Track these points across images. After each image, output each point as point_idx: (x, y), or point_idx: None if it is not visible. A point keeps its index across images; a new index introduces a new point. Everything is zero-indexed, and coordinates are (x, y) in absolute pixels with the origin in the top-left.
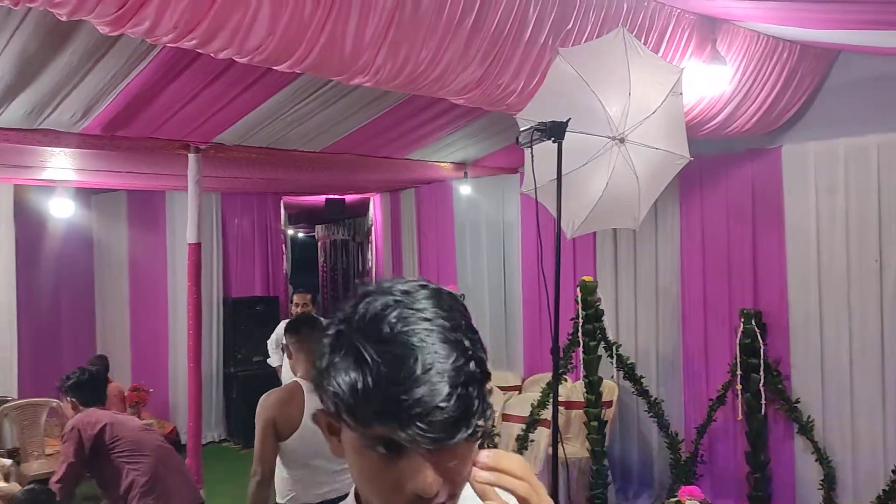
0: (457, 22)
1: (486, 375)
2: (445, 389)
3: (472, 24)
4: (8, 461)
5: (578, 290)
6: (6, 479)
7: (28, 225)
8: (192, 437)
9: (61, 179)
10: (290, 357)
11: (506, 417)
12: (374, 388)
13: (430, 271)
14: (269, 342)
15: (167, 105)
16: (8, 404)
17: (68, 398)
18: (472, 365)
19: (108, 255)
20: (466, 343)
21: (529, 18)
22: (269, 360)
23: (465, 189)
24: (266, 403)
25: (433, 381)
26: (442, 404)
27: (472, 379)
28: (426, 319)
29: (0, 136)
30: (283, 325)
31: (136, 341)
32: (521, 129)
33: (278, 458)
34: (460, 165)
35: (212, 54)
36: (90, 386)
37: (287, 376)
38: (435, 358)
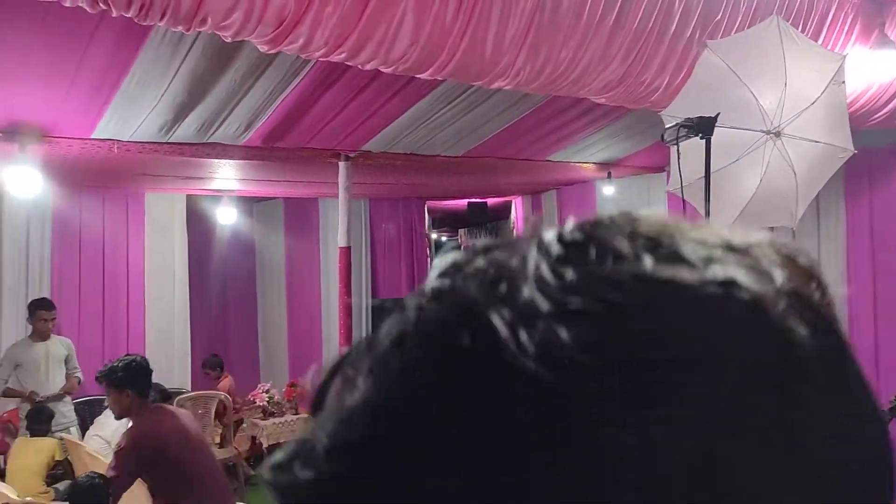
0: (597, 21)
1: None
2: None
3: (614, 22)
4: None
5: None
6: None
7: (199, 232)
8: None
9: (227, 189)
10: None
11: None
12: None
13: None
14: None
15: (319, 116)
16: (183, 396)
17: (123, 390)
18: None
19: (268, 259)
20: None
21: (675, 12)
22: None
23: (608, 189)
24: None
25: None
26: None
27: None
28: None
29: (175, 151)
30: None
31: (292, 340)
32: (667, 125)
33: None
34: (603, 165)
35: (359, 66)
36: (144, 373)
37: None
38: None
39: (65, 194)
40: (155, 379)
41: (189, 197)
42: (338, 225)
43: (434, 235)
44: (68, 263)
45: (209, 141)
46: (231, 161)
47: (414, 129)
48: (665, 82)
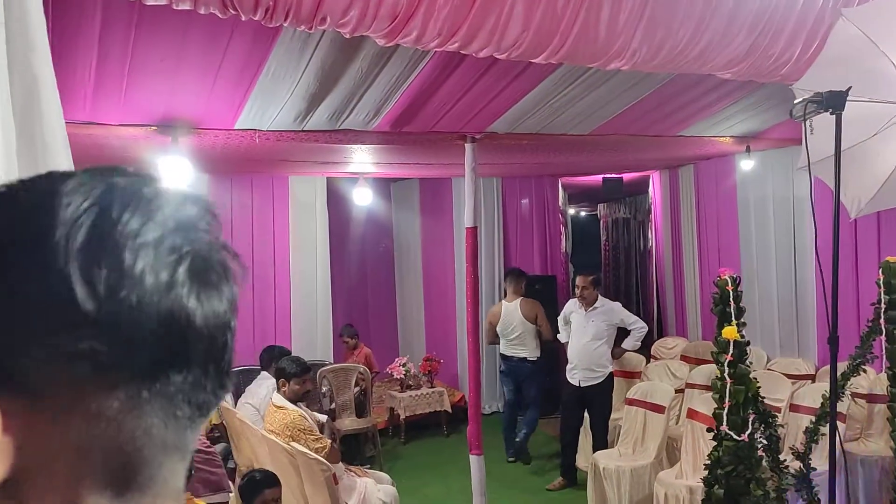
0: None
1: None
2: None
3: None
4: (323, 417)
5: (880, 272)
6: (321, 431)
7: (339, 211)
8: (472, 406)
9: (362, 172)
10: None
11: (793, 408)
12: None
13: (711, 252)
14: (559, 319)
15: (444, 100)
16: (325, 368)
17: None
18: None
19: (404, 236)
20: None
21: None
22: (558, 336)
23: (747, 164)
24: (489, 311)
25: None
26: None
27: None
28: None
29: (311, 138)
30: (570, 303)
31: (429, 315)
32: (795, 101)
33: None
34: (742, 139)
35: (473, 54)
36: None
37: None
38: None
39: (217, 179)
40: (299, 352)
41: (329, 179)
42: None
43: (571, 210)
44: None
45: (341, 128)
46: (362, 146)
47: (538, 109)
48: (795, 55)
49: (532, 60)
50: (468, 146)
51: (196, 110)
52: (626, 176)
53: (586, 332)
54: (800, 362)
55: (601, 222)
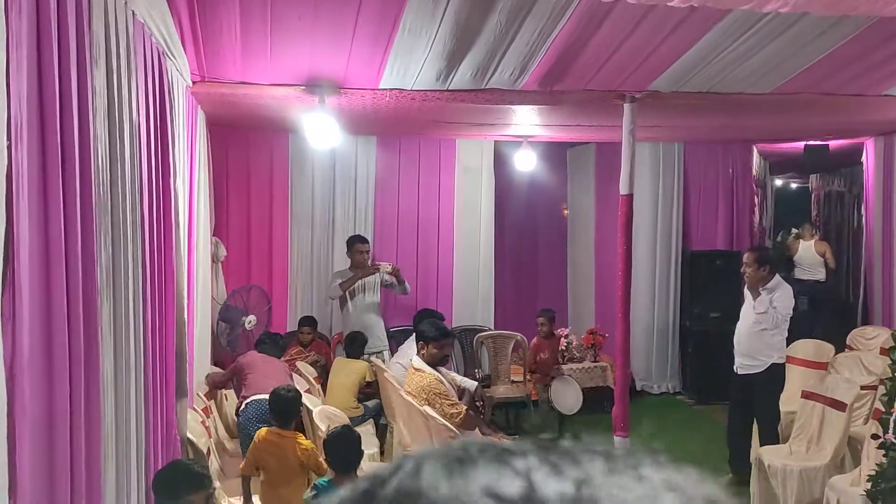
0: None
1: None
2: None
3: None
4: (472, 383)
5: None
6: (461, 397)
7: (507, 177)
8: (620, 384)
9: (526, 135)
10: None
11: None
12: None
13: None
14: None
15: (595, 55)
16: (483, 334)
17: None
18: None
19: (579, 204)
20: None
21: None
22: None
23: None
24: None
25: None
26: None
27: None
28: None
29: (456, 98)
30: None
31: (599, 286)
32: None
33: None
34: None
35: None
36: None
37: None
38: None
39: (385, 141)
40: (458, 317)
41: (498, 143)
42: (647, 170)
43: (778, 182)
44: (389, 203)
45: (487, 87)
46: (511, 107)
47: (706, 64)
48: None
49: (669, 4)
50: (627, 106)
51: (339, 70)
52: (834, 143)
53: (749, 314)
54: None
55: (812, 195)
